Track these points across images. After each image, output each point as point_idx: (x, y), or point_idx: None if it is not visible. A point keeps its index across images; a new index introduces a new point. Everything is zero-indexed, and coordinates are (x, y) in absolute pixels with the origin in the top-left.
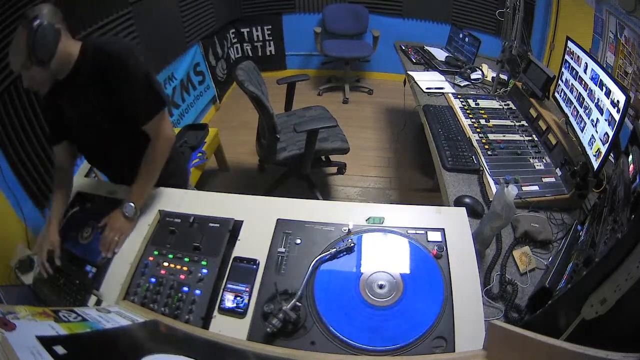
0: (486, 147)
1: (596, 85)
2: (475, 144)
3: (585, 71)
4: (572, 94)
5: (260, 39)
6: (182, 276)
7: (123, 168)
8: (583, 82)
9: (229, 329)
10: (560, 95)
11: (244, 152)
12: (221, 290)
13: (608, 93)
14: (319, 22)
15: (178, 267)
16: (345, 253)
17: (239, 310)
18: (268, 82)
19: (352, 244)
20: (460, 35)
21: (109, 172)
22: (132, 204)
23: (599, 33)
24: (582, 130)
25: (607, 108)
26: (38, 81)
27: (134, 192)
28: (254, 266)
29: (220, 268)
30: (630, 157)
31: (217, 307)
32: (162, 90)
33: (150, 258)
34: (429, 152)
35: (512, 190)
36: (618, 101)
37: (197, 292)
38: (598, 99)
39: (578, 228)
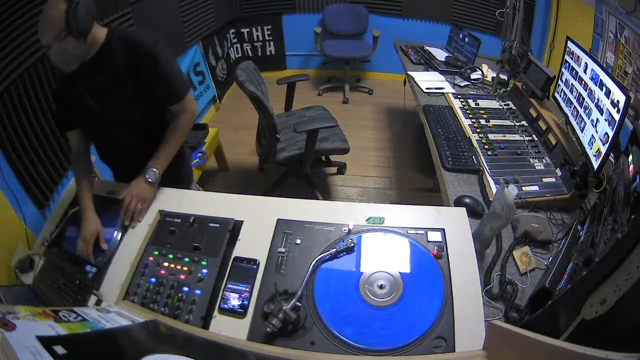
0: (486, 147)
1: (596, 85)
2: (475, 144)
3: (585, 71)
4: (572, 94)
5: (260, 39)
6: (182, 276)
7: (134, 158)
8: (583, 82)
9: (229, 329)
10: (560, 95)
11: (244, 152)
12: (221, 290)
13: (608, 93)
14: (319, 22)
15: (178, 267)
16: (345, 253)
17: (239, 310)
18: (268, 82)
19: (352, 244)
20: (460, 35)
21: (118, 163)
22: (154, 169)
23: (599, 33)
24: (582, 130)
25: (607, 108)
26: (69, 54)
27: (156, 158)
28: (254, 266)
29: (220, 268)
30: (630, 157)
31: (217, 307)
32: (185, 78)
33: (150, 258)
34: (429, 152)
35: (512, 190)
36: (618, 101)
37: (197, 292)
38: (598, 99)
39: (578, 228)
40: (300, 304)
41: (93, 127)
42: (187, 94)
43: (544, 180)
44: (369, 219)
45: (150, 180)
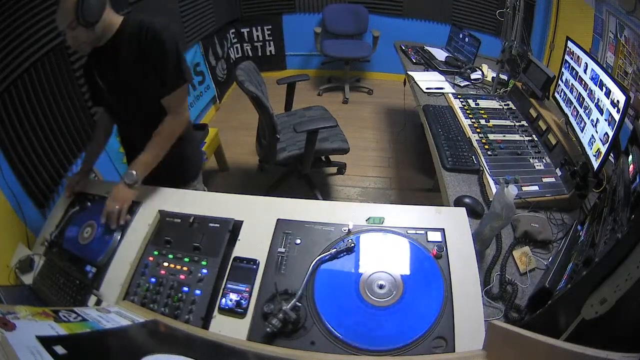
0: (486, 147)
1: (596, 86)
2: (475, 144)
3: (585, 71)
4: (572, 94)
5: (260, 39)
6: (182, 276)
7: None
8: (583, 82)
9: (229, 329)
10: (560, 96)
11: (244, 152)
12: (221, 290)
13: (608, 93)
14: (319, 22)
15: (178, 267)
16: (345, 253)
17: (239, 310)
18: (268, 82)
19: (352, 244)
20: (460, 36)
21: (133, 142)
22: (133, 172)
23: (599, 33)
24: (582, 130)
25: (607, 108)
26: (81, 41)
27: (137, 160)
28: (254, 266)
29: (220, 268)
30: (630, 157)
31: (217, 307)
32: (187, 70)
33: (150, 258)
34: (429, 152)
35: (512, 190)
36: (618, 101)
37: (197, 292)
38: (598, 99)
39: (578, 228)
40: (300, 304)
41: (109, 107)
42: (179, 91)
43: (544, 180)
44: (368, 219)
45: (127, 182)
